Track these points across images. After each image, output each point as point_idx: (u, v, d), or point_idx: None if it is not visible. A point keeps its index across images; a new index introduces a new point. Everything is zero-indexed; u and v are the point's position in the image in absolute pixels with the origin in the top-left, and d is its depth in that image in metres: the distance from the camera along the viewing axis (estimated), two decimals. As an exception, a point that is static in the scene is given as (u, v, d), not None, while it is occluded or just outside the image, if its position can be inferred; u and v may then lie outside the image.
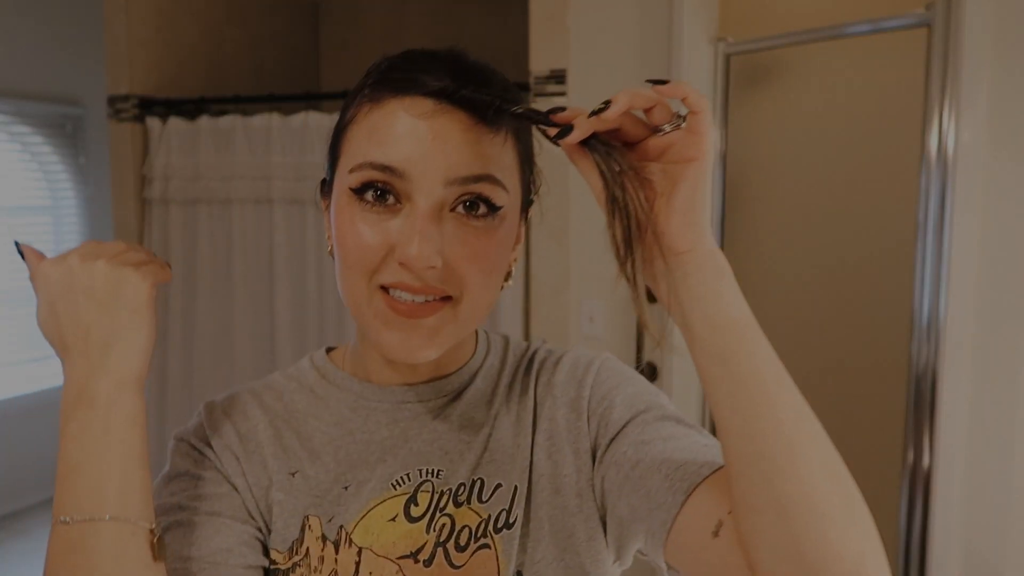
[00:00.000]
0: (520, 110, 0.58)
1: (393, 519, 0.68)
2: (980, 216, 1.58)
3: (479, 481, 0.69)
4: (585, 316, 2.16)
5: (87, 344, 0.61)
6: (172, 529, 0.65)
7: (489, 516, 0.68)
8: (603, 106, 0.53)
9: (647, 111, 0.55)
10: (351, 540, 0.67)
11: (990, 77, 1.55)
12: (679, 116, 0.54)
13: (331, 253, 0.68)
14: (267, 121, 2.50)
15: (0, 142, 3.81)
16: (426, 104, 0.61)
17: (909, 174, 1.69)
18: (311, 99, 2.62)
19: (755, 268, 2.08)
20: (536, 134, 0.63)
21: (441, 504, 0.68)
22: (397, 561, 0.66)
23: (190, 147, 2.60)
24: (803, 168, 2.01)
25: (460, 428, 0.71)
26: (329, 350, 0.78)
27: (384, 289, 0.63)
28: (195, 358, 2.66)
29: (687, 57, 1.96)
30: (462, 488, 0.69)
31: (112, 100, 2.66)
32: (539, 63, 2.15)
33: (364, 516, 0.68)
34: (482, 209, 0.62)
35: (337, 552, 0.67)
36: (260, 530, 0.69)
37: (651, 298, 0.56)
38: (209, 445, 0.71)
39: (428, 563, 0.66)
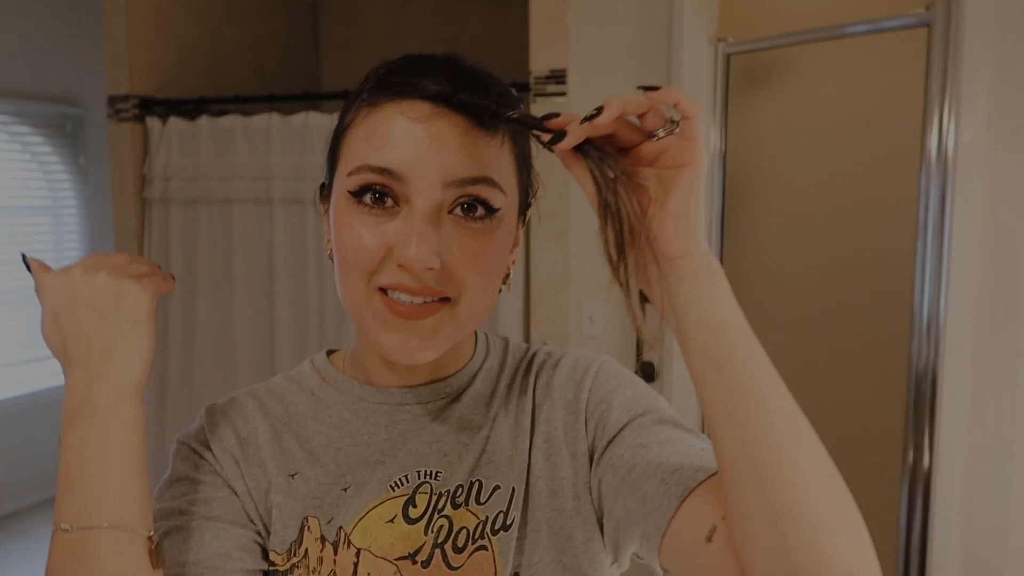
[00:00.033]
0: (515, 115, 0.59)
1: (391, 520, 0.68)
2: (980, 216, 1.58)
3: (477, 483, 0.69)
4: (585, 316, 2.16)
5: (88, 354, 0.62)
6: (171, 534, 0.66)
7: (487, 518, 0.68)
8: (595, 112, 0.53)
9: (641, 117, 0.55)
10: (350, 541, 0.67)
11: (990, 77, 1.55)
12: (672, 121, 0.54)
13: (330, 256, 0.68)
14: (267, 121, 2.50)
15: (0, 142, 3.81)
16: (423, 108, 0.61)
17: (909, 174, 1.69)
18: (311, 99, 2.62)
19: (755, 268, 2.08)
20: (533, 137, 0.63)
21: (439, 506, 0.68)
22: (395, 562, 0.67)
23: (190, 147, 2.60)
24: (803, 168, 2.00)
25: (459, 430, 0.72)
26: (330, 353, 0.79)
27: (383, 291, 0.63)
28: (195, 358, 2.66)
29: (687, 57, 1.96)
30: (460, 490, 0.69)
31: (112, 100, 2.66)
32: (539, 63, 2.15)
33: (363, 517, 0.68)
34: (480, 211, 0.63)
35: (336, 553, 0.67)
36: (259, 533, 0.69)
37: (643, 297, 0.56)
38: (209, 449, 0.71)
39: (426, 564, 0.67)
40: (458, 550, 0.67)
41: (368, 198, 0.62)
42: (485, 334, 0.79)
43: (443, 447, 0.71)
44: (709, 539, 0.57)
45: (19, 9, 3.77)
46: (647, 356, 2.08)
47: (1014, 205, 1.56)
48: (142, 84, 2.66)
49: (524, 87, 2.17)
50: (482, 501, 0.68)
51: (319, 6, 3.51)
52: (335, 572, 0.67)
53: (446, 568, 0.66)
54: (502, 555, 0.67)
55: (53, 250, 4.08)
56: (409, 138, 0.61)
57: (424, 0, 3.30)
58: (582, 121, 0.54)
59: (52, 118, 3.99)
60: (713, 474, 0.60)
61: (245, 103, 2.61)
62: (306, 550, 0.68)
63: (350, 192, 0.63)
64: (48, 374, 3.97)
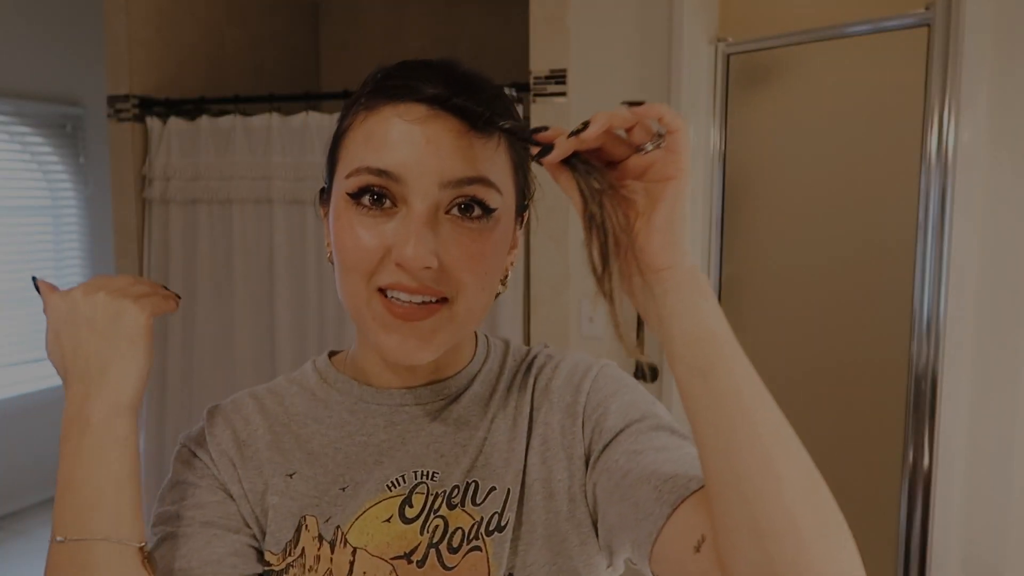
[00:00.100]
0: (507, 126, 0.61)
1: (388, 520, 0.68)
2: (980, 216, 1.58)
3: (473, 484, 0.70)
4: (585, 316, 2.16)
5: (86, 370, 0.65)
6: (167, 540, 0.68)
7: (482, 519, 0.68)
8: (582, 127, 0.54)
9: (628, 131, 0.56)
10: (346, 540, 0.68)
11: (990, 77, 1.55)
12: (659, 135, 0.55)
13: (330, 259, 0.69)
14: (267, 121, 2.50)
15: (0, 142, 3.81)
16: (420, 110, 0.62)
17: (909, 174, 1.69)
18: (311, 99, 2.62)
19: (755, 268, 2.08)
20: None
21: (435, 506, 0.69)
22: (391, 561, 0.67)
23: (190, 147, 2.60)
24: (803, 168, 2.00)
25: (456, 431, 0.72)
26: (332, 354, 0.80)
27: (382, 293, 0.64)
28: (195, 358, 2.67)
29: (687, 57, 1.96)
30: (456, 491, 0.69)
31: (112, 100, 2.66)
32: (539, 63, 2.15)
33: (360, 517, 0.69)
34: (476, 211, 0.64)
35: (333, 552, 0.68)
36: (254, 537, 0.70)
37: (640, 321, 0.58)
38: (207, 451, 0.73)
39: (421, 564, 0.67)
40: (453, 550, 0.67)
41: (367, 200, 0.63)
42: (486, 336, 0.79)
43: (440, 448, 0.71)
44: (697, 549, 0.57)
45: (19, 9, 3.78)
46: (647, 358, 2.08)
47: (1014, 205, 1.56)
48: (142, 84, 2.66)
49: (524, 87, 2.17)
50: (478, 502, 0.69)
51: (319, 6, 3.51)
52: (331, 571, 0.67)
53: (441, 568, 0.67)
54: (496, 556, 0.67)
55: (53, 250, 4.09)
56: (406, 140, 0.62)
57: (424, 0, 3.30)
58: (569, 135, 0.55)
59: (52, 118, 3.99)
60: None
61: (245, 103, 2.61)
62: (303, 549, 0.68)
63: (349, 194, 0.64)
64: (48, 374, 3.97)
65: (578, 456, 0.70)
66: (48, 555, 0.63)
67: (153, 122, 2.65)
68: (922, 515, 1.68)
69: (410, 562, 0.67)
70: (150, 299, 0.68)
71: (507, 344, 0.80)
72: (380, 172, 0.62)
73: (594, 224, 0.54)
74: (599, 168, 0.56)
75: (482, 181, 0.63)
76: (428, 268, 0.61)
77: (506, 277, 0.71)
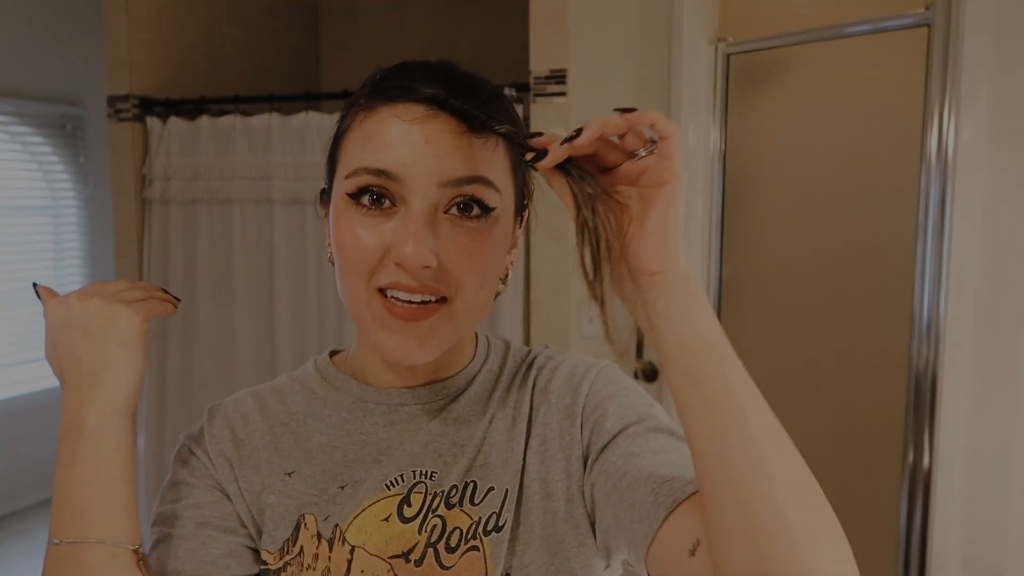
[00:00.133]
0: (502, 130, 0.62)
1: (386, 519, 0.69)
2: (980, 216, 1.58)
3: (472, 484, 0.70)
4: (585, 316, 2.16)
5: (80, 375, 0.66)
6: (163, 541, 0.69)
7: (479, 519, 0.68)
8: (575, 133, 0.55)
9: (620, 137, 0.56)
10: (345, 539, 0.68)
11: (990, 77, 1.55)
12: (652, 141, 0.56)
13: (330, 260, 0.70)
14: (267, 121, 2.50)
15: (0, 142, 3.81)
16: (418, 110, 0.63)
17: (909, 174, 1.69)
18: (311, 99, 2.62)
19: (755, 267, 2.08)
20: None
21: (433, 506, 0.69)
22: (389, 560, 0.67)
23: (190, 147, 2.60)
24: (803, 168, 2.00)
25: (455, 431, 0.72)
26: (334, 353, 0.80)
27: (382, 293, 0.64)
28: (195, 358, 2.67)
29: (687, 57, 1.96)
30: (454, 490, 0.70)
31: (112, 100, 2.66)
32: (539, 63, 2.15)
33: (358, 515, 0.69)
34: (475, 210, 0.64)
35: (331, 550, 0.68)
36: (250, 537, 0.71)
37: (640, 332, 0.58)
38: (205, 450, 0.73)
39: (419, 563, 0.67)
40: (451, 550, 0.68)
41: (366, 200, 0.63)
42: (487, 337, 0.79)
43: (439, 447, 0.71)
44: (692, 552, 0.57)
45: (19, 9, 3.78)
46: (648, 358, 2.08)
47: (1014, 205, 1.56)
48: (142, 84, 2.66)
49: (524, 87, 2.17)
50: (476, 502, 0.69)
51: (319, 6, 3.51)
52: (329, 569, 0.68)
53: (438, 567, 0.67)
54: (493, 556, 0.67)
55: (53, 250, 4.09)
56: (404, 140, 0.62)
57: (424, 0, 3.30)
58: (563, 142, 0.55)
59: (52, 118, 3.99)
60: None
61: (245, 103, 2.61)
62: (301, 547, 0.69)
63: (348, 195, 0.64)
64: (47, 374, 3.92)
65: (576, 457, 0.70)
66: (45, 557, 0.64)
67: (153, 122, 2.65)
68: (922, 515, 1.68)
69: (408, 561, 0.67)
70: (145, 303, 0.69)
71: (507, 345, 0.80)
72: (379, 172, 0.62)
73: (587, 228, 0.55)
74: (593, 173, 0.57)
75: (481, 180, 0.63)
76: (427, 267, 0.61)
77: (506, 276, 0.71)
